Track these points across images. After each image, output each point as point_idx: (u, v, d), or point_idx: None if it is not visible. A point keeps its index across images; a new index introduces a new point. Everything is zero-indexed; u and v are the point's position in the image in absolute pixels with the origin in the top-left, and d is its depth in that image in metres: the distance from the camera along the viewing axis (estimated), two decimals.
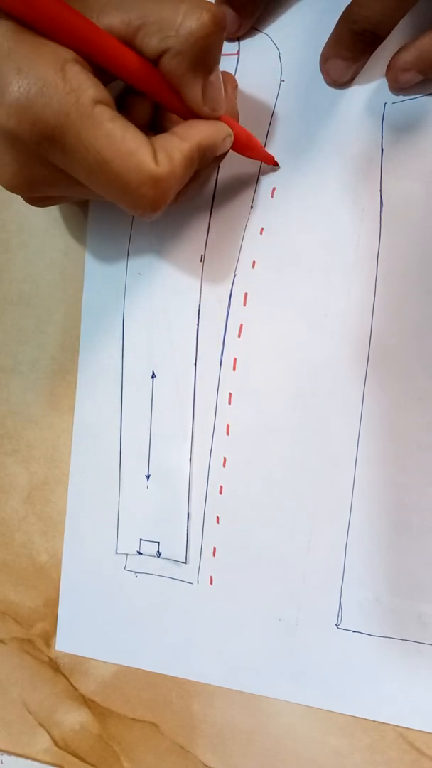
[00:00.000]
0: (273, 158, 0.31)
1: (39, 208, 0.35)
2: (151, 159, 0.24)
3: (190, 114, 0.26)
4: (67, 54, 0.22)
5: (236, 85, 0.30)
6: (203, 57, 0.24)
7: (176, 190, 0.25)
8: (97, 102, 0.23)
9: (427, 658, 0.30)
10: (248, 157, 0.30)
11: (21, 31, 0.22)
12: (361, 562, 0.31)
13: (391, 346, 0.30)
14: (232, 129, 0.27)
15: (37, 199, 0.29)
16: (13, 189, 0.26)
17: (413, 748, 0.30)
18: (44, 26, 0.22)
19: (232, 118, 0.29)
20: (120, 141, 0.23)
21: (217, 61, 0.25)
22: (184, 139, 0.25)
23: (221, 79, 0.26)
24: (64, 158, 0.23)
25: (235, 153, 0.29)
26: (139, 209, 0.25)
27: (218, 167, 0.32)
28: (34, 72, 0.22)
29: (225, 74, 0.29)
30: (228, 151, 0.28)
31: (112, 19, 0.23)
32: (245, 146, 0.29)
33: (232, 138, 0.27)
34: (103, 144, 0.23)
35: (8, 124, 0.22)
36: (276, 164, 0.31)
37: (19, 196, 0.35)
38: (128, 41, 0.24)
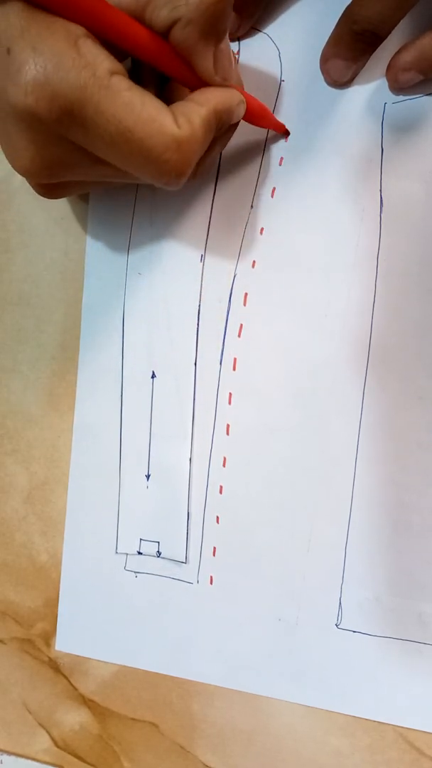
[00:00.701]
0: (284, 126, 0.31)
1: (38, 208, 0.35)
2: (172, 123, 0.24)
3: (202, 85, 0.26)
4: (79, 30, 0.23)
5: (237, 58, 0.30)
6: (213, 24, 0.24)
7: (198, 155, 0.25)
8: (113, 73, 0.23)
9: (427, 658, 0.30)
10: (259, 126, 0.30)
11: (31, 9, 0.22)
12: (361, 561, 0.31)
13: (391, 346, 0.30)
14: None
15: (51, 187, 0.28)
16: (31, 174, 0.25)
17: (413, 748, 0.30)
18: (54, 3, 0.22)
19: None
20: (140, 108, 0.23)
21: (226, 29, 0.25)
22: (201, 104, 0.25)
23: (230, 48, 0.26)
24: (85, 133, 0.23)
25: (236, 150, 0.29)
26: (164, 176, 0.25)
27: (220, 160, 0.32)
28: (49, 48, 0.22)
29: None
30: (240, 119, 0.28)
31: None
32: (257, 114, 0.29)
33: (245, 104, 0.27)
34: (123, 112, 0.23)
35: (26, 102, 0.22)
36: (287, 132, 0.31)
37: (18, 195, 0.35)
38: (137, 16, 0.24)
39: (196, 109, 0.25)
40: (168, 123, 0.24)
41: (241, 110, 0.27)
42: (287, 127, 0.31)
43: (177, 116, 0.24)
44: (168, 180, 0.25)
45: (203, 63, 0.25)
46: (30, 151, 0.24)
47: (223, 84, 0.26)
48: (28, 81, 0.22)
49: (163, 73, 0.26)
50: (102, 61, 0.23)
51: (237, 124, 0.28)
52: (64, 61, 0.22)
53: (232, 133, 0.29)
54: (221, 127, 0.27)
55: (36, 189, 0.28)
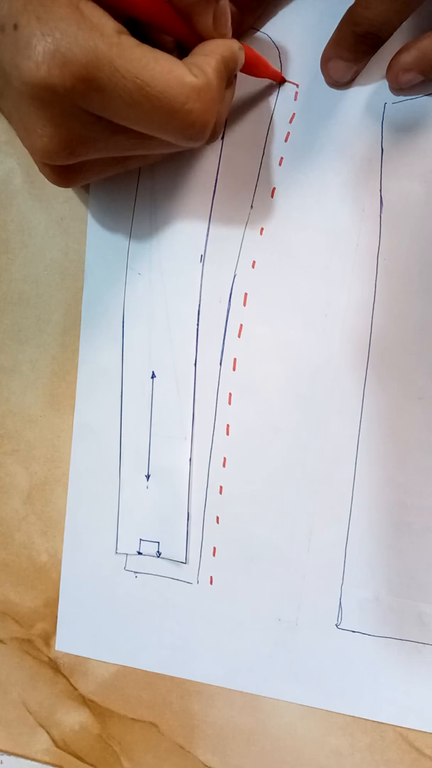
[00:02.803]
0: (281, 74, 0.30)
1: (38, 208, 0.35)
2: (188, 73, 0.24)
3: (200, 41, 0.26)
4: None
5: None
6: None
7: (217, 103, 0.25)
8: (120, 32, 0.23)
9: (427, 658, 0.30)
10: (257, 76, 0.30)
11: None
12: (361, 562, 0.31)
13: (391, 346, 0.30)
14: None
15: (67, 171, 0.28)
16: (51, 155, 0.25)
17: (413, 748, 0.30)
18: None
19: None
20: (154, 62, 0.23)
21: None
22: (209, 55, 0.25)
23: (228, 3, 0.26)
24: (102, 98, 0.23)
25: (236, 150, 0.29)
26: (189, 128, 0.24)
27: (220, 160, 0.32)
28: (53, 16, 0.22)
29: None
30: (242, 65, 0.28)
31: None
32: (253, 64, 0.29)
33: (244, 50, 0.28)
34: (138, 68, 0.23)
35: (39, 75, 0.22)
36: (283, 80, 0.31)
37: (18, 195, 0.35)
38: None
39: (206, 60, 0.25)
40: (184, 73, 0.24)
41: (242, 56, 0.27)
42: (289, 129, 0.31)
43: (190, 67, 0.24)
44: (193, 132, 0.25)
45: (203, 21, 0.25)
46: (48, 129, 0.24)
47: (222, 39, 0.26)
48: (38, 53, 0.22)
49: (159, 36, 0.26)
50: (107, 21, 0.23)
51: (236, 76, 0.29)
52: (70, 27, 0.22)
53: (235, 83, 0.29)
54: (230, 75, 0.27)
55: (51, 176, 0.28)
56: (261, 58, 0.29)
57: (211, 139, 0.28)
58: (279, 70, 0.30)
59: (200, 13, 0.25)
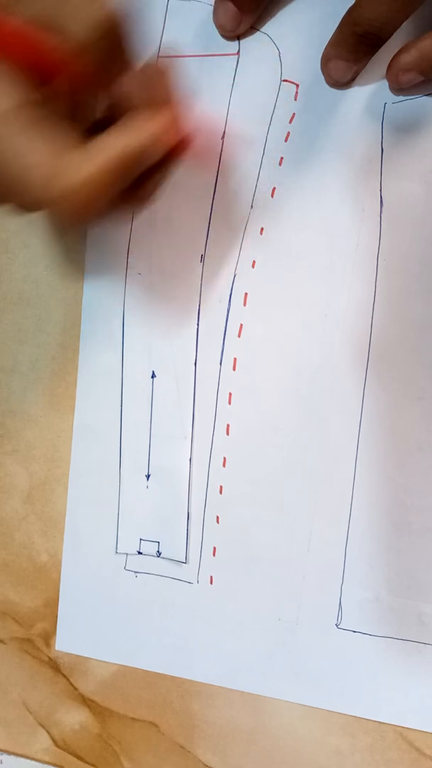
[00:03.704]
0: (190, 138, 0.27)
1: None
2: (64, 170, 0.22)
3: (129, 106, 0.25)
4: None
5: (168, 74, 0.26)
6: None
7: (101, 199, 0.23)
8: (18, 107, 0.22)
9: (427, 658, 0.30)
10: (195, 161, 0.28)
11: None
12: (361, 562, 0.31)
13: (391, 346, 0.30)
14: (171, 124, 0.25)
15: None
16: None
17: (413, 748, 0.30)
18: None
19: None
20: (32, 153, 0.22)
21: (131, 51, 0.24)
22: (104, 148, 0.23)
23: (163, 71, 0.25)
24: None
25: (236, 150, 0.29)
26: (58, 222, 0.25)
27: (220, 160, 0.32)
28: None
29: (154, 66, 0.27)
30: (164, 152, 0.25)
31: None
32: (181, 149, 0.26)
33: (173, 131, 0.25)
34: (10, 157, 0.22)
35: None
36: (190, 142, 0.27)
37: None
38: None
39: (100, 153, 0.23)
40: (58, 172, 0.22)
41: (164, 142, 0.24)
42: (289, 129, 0.31)
43: (77, 158, 0.23)
44: (62, 226, 0.25)
45: (124, 87, 0.24)
46: None
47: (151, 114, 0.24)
48: None
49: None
50: (9, 93, 0.22)
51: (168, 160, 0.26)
52: None
53: (172, 162, 0.26)
54: (137, 168, 0.24)
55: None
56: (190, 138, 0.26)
57: (142, 203, 0.26)
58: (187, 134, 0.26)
59: (118, 77, 0.24)
